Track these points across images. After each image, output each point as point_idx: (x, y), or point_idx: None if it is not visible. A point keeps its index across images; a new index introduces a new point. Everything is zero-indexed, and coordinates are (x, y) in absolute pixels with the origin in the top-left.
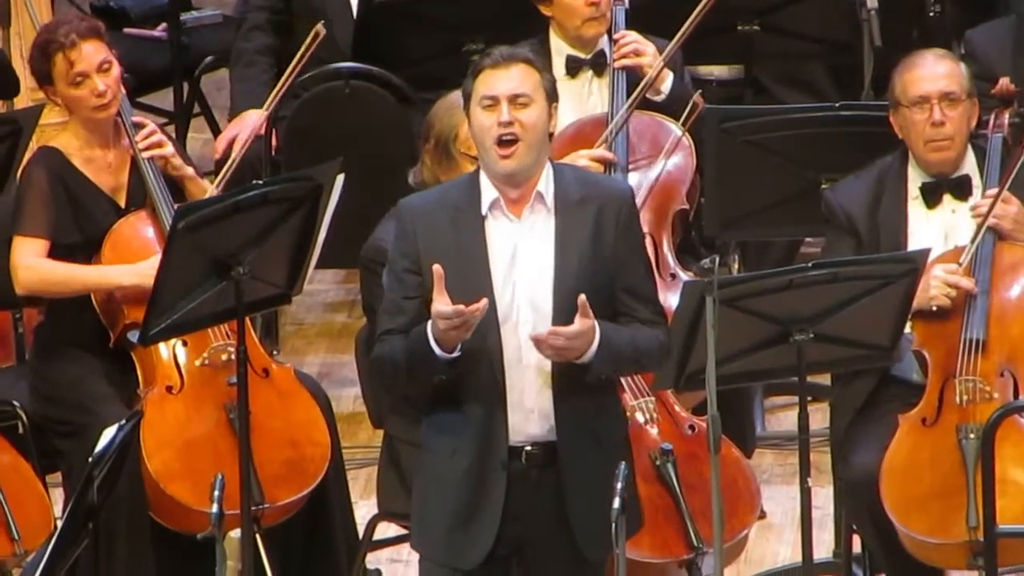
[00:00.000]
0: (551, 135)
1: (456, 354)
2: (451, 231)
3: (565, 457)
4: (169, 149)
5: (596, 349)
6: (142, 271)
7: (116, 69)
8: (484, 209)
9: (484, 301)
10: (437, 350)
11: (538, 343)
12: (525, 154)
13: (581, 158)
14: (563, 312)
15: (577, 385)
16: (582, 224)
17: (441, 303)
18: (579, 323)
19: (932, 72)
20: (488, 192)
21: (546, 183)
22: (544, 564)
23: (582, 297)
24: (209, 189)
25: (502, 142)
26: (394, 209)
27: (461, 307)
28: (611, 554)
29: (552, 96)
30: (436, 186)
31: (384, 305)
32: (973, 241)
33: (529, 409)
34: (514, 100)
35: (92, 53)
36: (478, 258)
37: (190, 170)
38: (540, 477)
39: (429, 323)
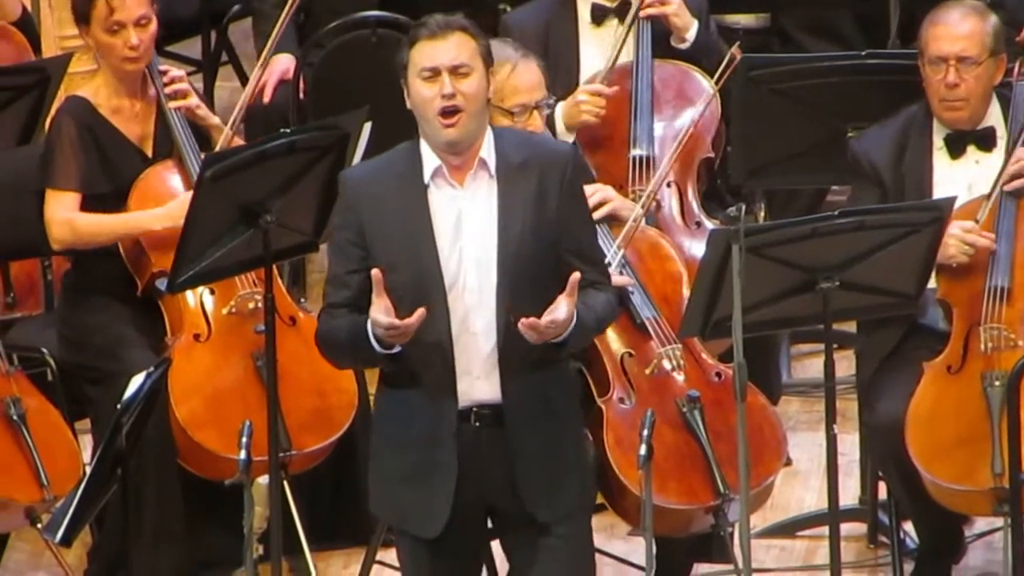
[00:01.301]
0: (489, 101)
1: (395, 350)
2: (394, 201)
3: (512, 420)
4: (194, 100)
5: (572, 327)
6: (173, 213)
7: (153, 26)
8: (427, 178)
9: (421, 311)
10: (376, 347)
11: (532, 328)
12: (467, 122)
13: (581, 93)
14: (507, 276)
15: (524, 350)
16: (525, 188)
17: (379, 311)
18: (567, 304)
19: (953, 32)
20: (430, 160)
21: (488, 149)
22: (513, 530)
23: (575, 276)
24: (226, 131)
25: (445, 112)
26: None
27: (396, 321)
28: (566, 517)
29: (488, 61)
30: (378, 156)
31: (328, 277)
32: (989, 196)
33: (476, 375)
34: (455, 71)
35: (134, 6)
36: (422, 227)
37: (215, 119)
38: (490, 439)
39: (368, 325)
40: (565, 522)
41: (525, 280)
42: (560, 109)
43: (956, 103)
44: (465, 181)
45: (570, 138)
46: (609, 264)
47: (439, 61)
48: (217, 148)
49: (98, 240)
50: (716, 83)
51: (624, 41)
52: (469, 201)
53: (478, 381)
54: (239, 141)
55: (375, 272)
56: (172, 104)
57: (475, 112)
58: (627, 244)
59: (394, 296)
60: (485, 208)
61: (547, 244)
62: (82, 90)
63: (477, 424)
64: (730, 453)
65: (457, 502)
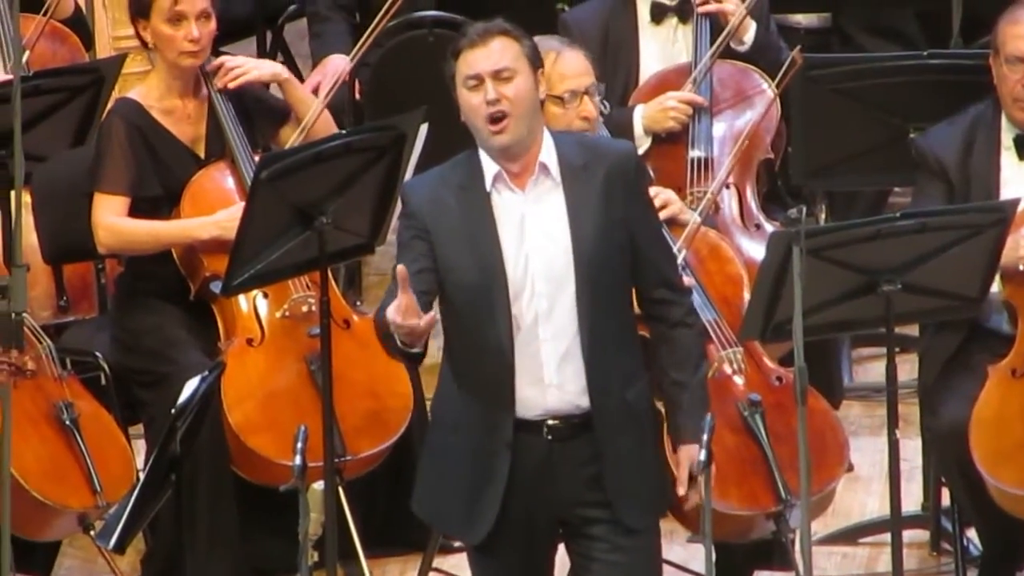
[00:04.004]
0: (543, 102)
1: (416, 350)
2: (457, 208)
3: (600, 426)
4: (253, 73)
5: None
6: (221, 222)
7: (213, 23)
8: (488, 185)
9: (431, 315)
10: (398, 341)
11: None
12: (516, 127)
13: (670, 99)
14: (587, 280)
15: (607, 357)
16: (591, 190)
17: (393, 308)
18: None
19: None
20: (490, 167)
21: (548, 153)
22: (585, 537)
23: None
24: (311, 99)
25: (492, 119)
26: None
27: (399, 320)
28: (654, 521)
29: (535, 62)
30: (436, 167)
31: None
32: None
33: (547, 383)
34: (497, 76)
35: None
36: (487, 233)
37: (285, 73)
38: (565, 450)
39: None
40: (648, 525)
41: (602, 283)
42: (642, 111)
43: None
44: (527, 186)
45: (647, 142)
46: None
47: (480, 68)
48: (304, 123)
49: (144, 247)
50: (777, 85)
51: (719, 47)
52: (532, 205)
53: (550, 390)
54: (328, 119)
55: (400, 268)
56: (233, 84)
57: (522, 115)
58: (688, 246)
59: (460, 301)
60: (550, 212)
61: (617, 245)
62: (133, 91)
63: (549, 437)
64: (791, 458)
65: (512, 511)
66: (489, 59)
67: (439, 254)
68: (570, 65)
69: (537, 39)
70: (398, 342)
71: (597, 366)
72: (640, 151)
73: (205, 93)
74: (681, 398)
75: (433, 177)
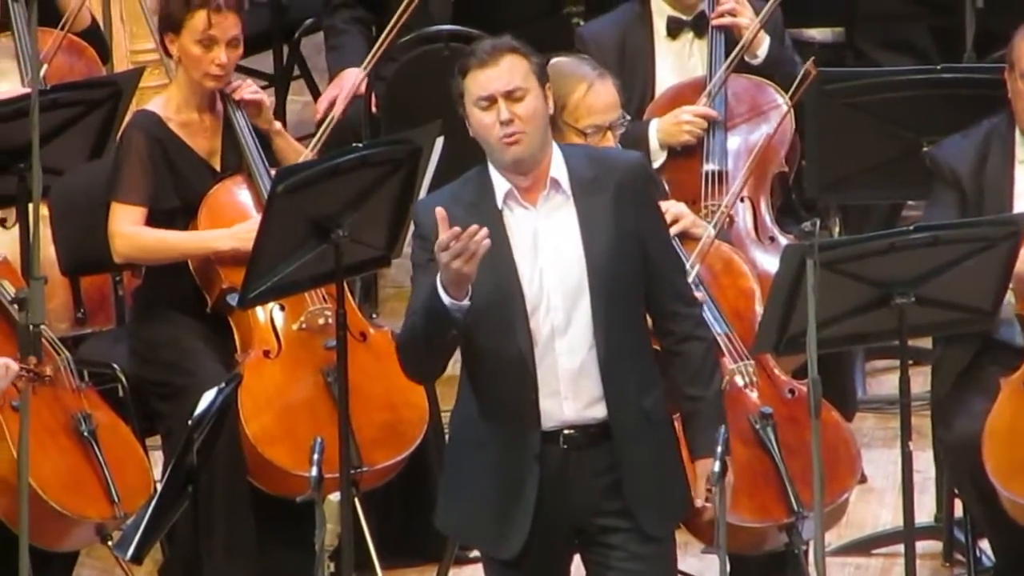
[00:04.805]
0: (557, 119)
1: (466, 302)
2: (468, 226)
3: (618, 435)
4: (266, 98)
5: (717, 457)
6: (238, 235)
7: (240, 50)
8: (499, 202)
9: (485, 230)
10: (446, 299)
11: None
12: (530, 141)
13: (685, 113)
14: (601, 292)
15: (623, 366)
16: (602, 202)
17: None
18: (702, 488)
19: None
20: (500, 184)
21: (558, 167)
22: (603, 546)
23: (700, 489)
24: (301, 149)
25: (507, 137)
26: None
27: (457, 229)
28: (673, 529)
29: (543, 78)
30: (446, 186)
31: (412, 296)
32: None
33: (563, 396)
34: (509, 95)
35: (230, 25)
36: (501, 250)
37: (278, 124)
38: (579, 458)
39: (437, 275)
40: (667, 534)
41: (616, 295)
42: (657, 124)
43: None
44: (538, 201)
45: (663, 156)
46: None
47: (493, 88)
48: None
49: (162, 256)
50: (791, 98)
51: (734, 61)
52: (544, 220)
53: (566, 402)
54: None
55: (439, 209)
56: (248, 96)
57: (536, 131)
58: (701, 260)
59: (477, 319)
60: (563, 226)
61: (630, 257)
62: (151, 104)
63: (565, 446)
64: (804, 470)
65: (538, 523)
66: (500, 79)
67: None
68: (599, 99)
69: (568, 61)
70: (444, 298)
71: (613, 376)
72: (655, 165)
73: (221, 107)
74: (696, 412)
75: (444, 196)
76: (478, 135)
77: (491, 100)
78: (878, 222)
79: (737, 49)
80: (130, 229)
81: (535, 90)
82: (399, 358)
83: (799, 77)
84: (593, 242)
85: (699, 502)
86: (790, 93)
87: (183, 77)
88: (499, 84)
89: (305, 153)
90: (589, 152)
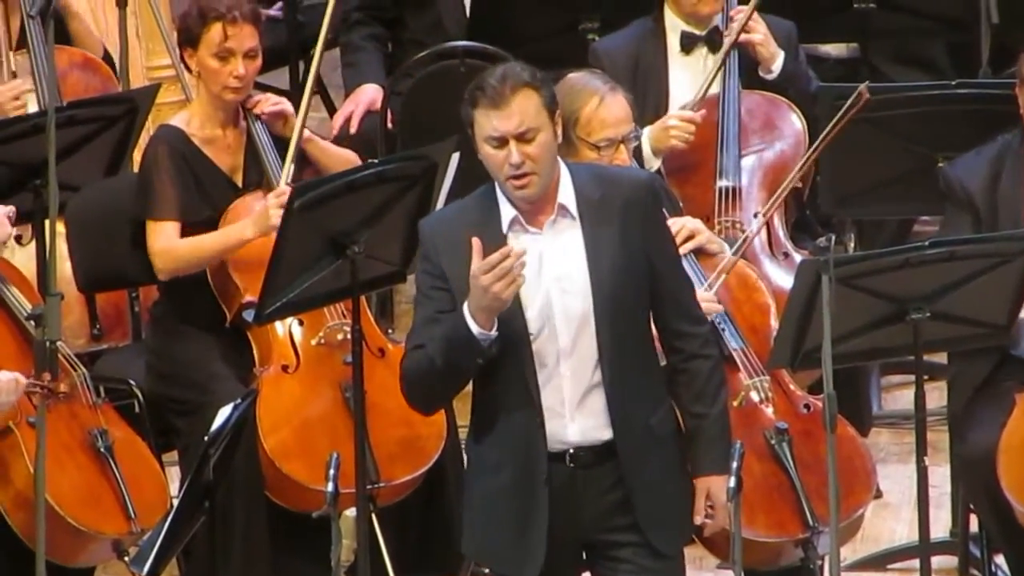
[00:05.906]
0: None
1: (494, 332)
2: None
3: (624, 454)
4: (289, 107)
5: (731, 474)
6: (259, 220)
7: (259, 62)
8: (505, 227)
9: (524, 250)
10: (475, 328)
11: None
12: (540, 181)
13: (671, 118)
14: (606, 314)
15: (629, 386)
16: (608, 223)
17: (478, 263)
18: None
19: None
20: (507, 211)
21: (565, 191)
22: (615, 560)
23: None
24: (340, 152)
25: (517, 177)
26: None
27: (507, 249)
28: (684, 546)
29: (553, 107)
30: (454, 203)
31: (415, 322)
32: None
33: (569, 419)
34: (521, 137)
35: (247, 37)
36: None
37: (308, 132)
38: (586, 477)
39: (465, 305)
40: (675, 548)
41: (621, 315)
42: (648, 133)
43: None
44: (544, 225)
45: (656, 163)
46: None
47: (504, 130)
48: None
49: (199, 261)
50: (839, 120)
51: (718, 70)
52: (550, 244)
53: (571, 425)
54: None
55: (475, 240)
56: (271, 109)
57: (545, 166)
58: (719, 279)
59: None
60: (568, 250)
61: (636, 276)
62: (174, 119)
63: (572, 465)
64: (819, 485)
65: (550, 541)
66: (511, 121)
67: (459, 299)
68: (612, 113)
69: (579, 76)
70: (473, 329)
71: (619, 397)
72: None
73: (243, 124)
74: (699, 430)
75: (450, 216)
76: (487, 166)
77: (502, 141)
78: (889, 237)
79: (725, 46)
80: (165, 245)
81: (546, 126)
82: (403, 388)
83: (850, 100)
84: (599, 266)
85: (699, 519)
86: (839, 115)
87: (204, 93)
88: (510, 126)
89: (348, 156)
90: (596, 171)
